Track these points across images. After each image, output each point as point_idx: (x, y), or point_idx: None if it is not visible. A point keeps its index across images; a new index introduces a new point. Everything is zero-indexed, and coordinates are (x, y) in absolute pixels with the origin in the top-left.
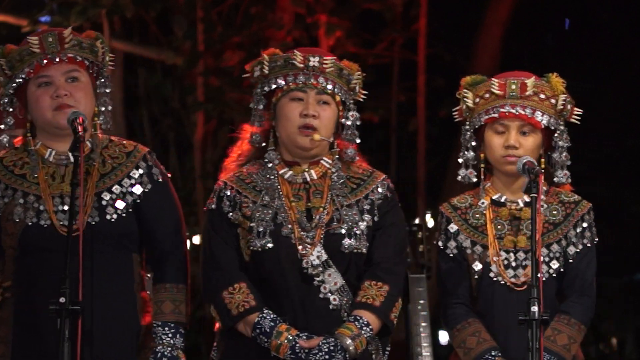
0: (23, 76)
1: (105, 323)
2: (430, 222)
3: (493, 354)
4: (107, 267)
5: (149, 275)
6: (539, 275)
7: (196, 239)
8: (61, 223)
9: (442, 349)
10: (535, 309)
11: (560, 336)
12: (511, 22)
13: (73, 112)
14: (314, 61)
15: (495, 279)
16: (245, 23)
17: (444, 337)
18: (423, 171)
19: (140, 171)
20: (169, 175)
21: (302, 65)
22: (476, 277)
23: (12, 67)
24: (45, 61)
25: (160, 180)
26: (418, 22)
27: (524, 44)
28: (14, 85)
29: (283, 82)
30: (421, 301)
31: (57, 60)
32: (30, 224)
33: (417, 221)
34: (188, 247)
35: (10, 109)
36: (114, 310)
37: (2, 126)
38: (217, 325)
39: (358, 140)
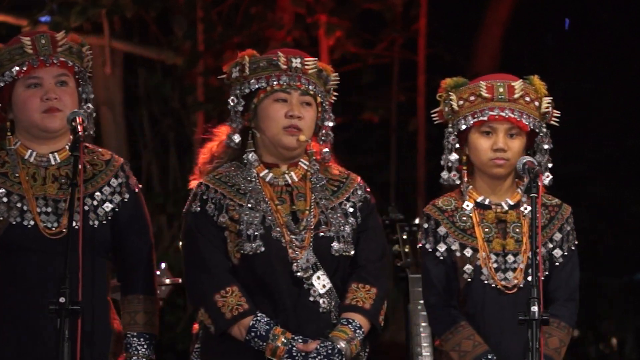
0: (12, 75)
1: (86, 325)
2: None
3: (489, 357)
4: (83, 271)
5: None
6: (538, 275)
7: None
8: (44, 225)
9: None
10: (535, 309)
11: (552, 339)
12: (511, 22)
13: (73, 112)
14: (296, 62)
15: (486, 282)
16: (245, 23)
17: None
18: (423, 171)
19: (120, 180)
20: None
21: (285, 67)
22: (468, 280)
23: (0, 65)
24: (37, 63)
25: (136, 190)
26: (418, 22)
27: (524, 44)
28: (1, 84)
29: (265, 84)
30: (421, 301)
31: (50, 63)
32: (14, 223)
33: (417, 221)
34: None
35: None
36: (93, 314)
37: None
38: (195, 327)
39: (331, 141)
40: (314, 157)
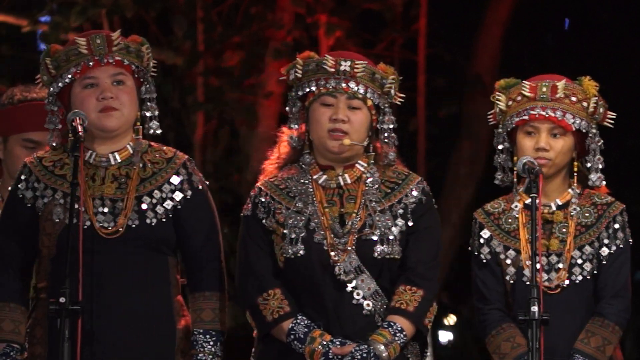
0: (69, 76)
1: (140, 325)
2: None
3: (526, 359)
4: (142, 270)
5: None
6: (538, 275)
7: None
8: (100, 225)
9: (442, 349)
10: (535, 309)
11: (594, 338)
12: (511, 22)
13: (73, 112)
14: (345, 65)
15: (528, 283)
16: (245, 23)
17: (444, 337)
18: (423, 171)
19: (181, 178)
20: (207, 183)
21: (333, 70)
22: (511, 282)
23: (57, 66)
24: (92, 62)
25: (200, 187)
26: (418, 22)
27: (524, 44)
28: (60, 85)
29: (314, 87)
30: None
31: (105, 62)
32: (68, 223)
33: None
34: None
35: (55, 109)
36: (149, 313)
37: (49, 125)
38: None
39: (395, 143)
40: (373, 160)
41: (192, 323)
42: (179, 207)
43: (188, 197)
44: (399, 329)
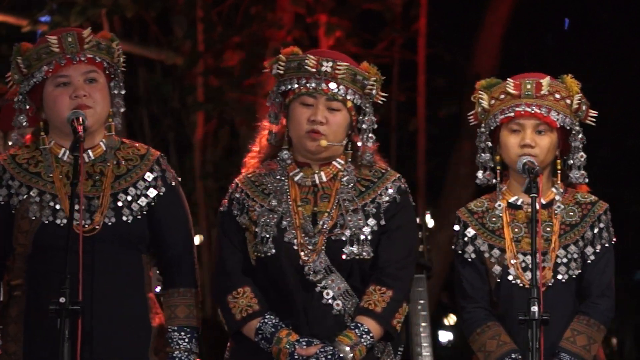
0: (41, 75)
1: (117, 323)
2: (430, 222)
3: (513, 356)
4: (119, 268)
5: (159, 278)
6: (538, 275)
7: (196, 240)
8: (77, 223)
9: (442, 349)
10: (535, 309)
11: (580, 337)
12: (511, 22)
13: (73, 112)
14: (326, 66)
15: (514, 281)
16: (245, 23)
17: (444, 337)
18: (423, 171)
19: (155, 174)
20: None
21: (314, 70)
22: (497, 280)
23: (29, 65)
24: (64, 61)
25: (173, 184)
26: (418, 22)
27: (524, 44)
28: (31, 83)
29: (295, 85)
30: (421, 301)
31: (77, 60)
32: (46, 222)
33: (417, 221)
34: None
35: (26, 107)
36: (126, 311)
37: (15, 123)
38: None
39: (375, 143)
40: (350, 158)
41: (166, 320)
42: (153, 204)
43: (162, 194)
44: (366, 330)
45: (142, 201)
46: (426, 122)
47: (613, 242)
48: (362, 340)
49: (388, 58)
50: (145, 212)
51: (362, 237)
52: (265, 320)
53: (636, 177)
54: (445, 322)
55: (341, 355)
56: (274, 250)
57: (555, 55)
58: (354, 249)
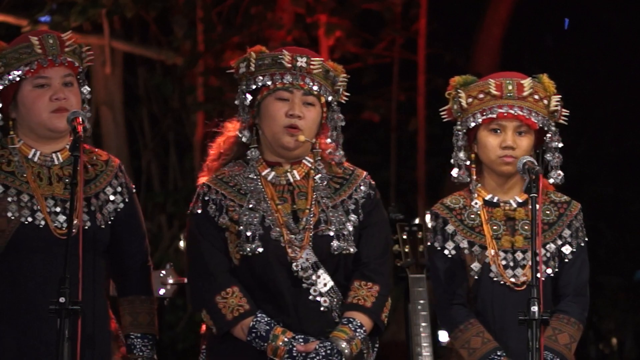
0: (19, 74)
1: (88, 326)
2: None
3: (499, 354)
4: (90, 271)
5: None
6: (538, 275)
7: None
8: (55, 225)
9: (442, 349)
10: (535, 309)
11: (562, 335)
12: (511, 22)
13: (73, 112)
14: (301, 62)
15: (495, 279)
16: (245, 23)
17: (444, 337)
18: (423, 171)
19: (120, 180)
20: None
21: (289, 65)
22: (475, 277)
23: (6, 64)
24: (47, 62)
25: (134, 191)
26: (418, 22)
27: (524, 44)
28: (6, 82)
29: (270, 81)
30: (421, 301)
31: (58, 62)
32: (25, 222)
33: (417, 221)
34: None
35: None
36: (95, 314)
37: None
38: (203, 328)
39: (341, 141)
40: (319, 156)
41: (126, 326)
42: (119, 210)
43: (127, 200)
44: (359, 324)
45: (110, 207)
46: (426, 122)
47: (585, 241)
48: (357, 334)
49: (388, 58)
50: (112, 218)
51: (346, 232)
52: (258, 319)
53: (636, 177)
54: None
55: (339, 349)
56: (261, 248)
57: (554, 55)
58: (341, 243)
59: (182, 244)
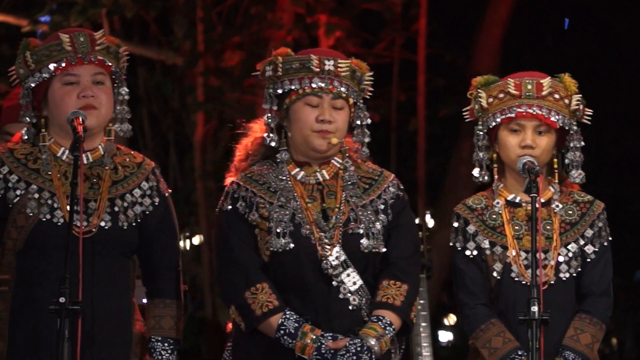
0: (50, 71)
1: (105, 326)
2: (430, 222)
3: (519, 353)
4: (110, 271)
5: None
6: (538, 274)
7: (196, 240)
8: (74, 223)
9: (442, 349)
10: (535, 309)
11: (584, 335)
12: (511, 22)
13: (73, 111)
14: (329, 65)
15: (516, 279)
16: (245, 23)
17: (444, 337)
18: (423, 171)
19: (150, 184)
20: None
21: (318, 69)
22: (497, 277)
23: (38, 61)
24: (75, 60)
25: (166, 195)
26: (418, 22)
27: (524, 44)
28: (38, 79)
29: (298, 86)
30: (421, 301)
31: (88, 60)
32: (44, 219)
33: (417, 221)
34: (188, 247)
35: (29, 102)
36: (114, 314)
37: (23, 119)
38: (229, 326)
39: (368, 139)
40: (348, 155)
41: (150, 329)
42: (147, 212)
43: (156, 203)
44: (388, 322)
45: (137, 209)
46: (426, 122)
47: (610, 240)
48: (386, 332)
49: (388, 58)
50: (139, 220)
51: (375, 231)
52: (287, 316)
53: (636, 177)
54: (445, 322)
55: (368, 346)
56: (292, 245)
57: (554, 56)
58: (371, 241)
59: (181, 243)
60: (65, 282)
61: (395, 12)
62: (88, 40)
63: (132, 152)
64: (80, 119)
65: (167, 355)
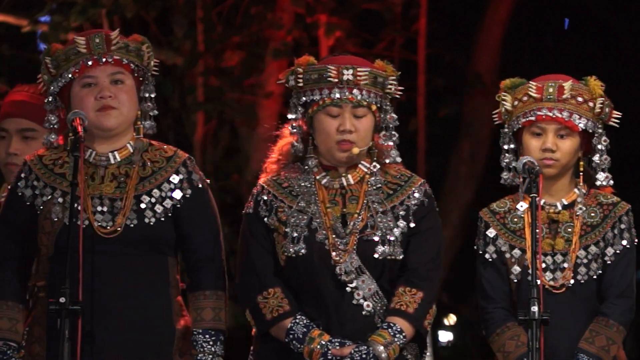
0: (69, 75)
1: (137, 325)
2: None
3: (527, 358)
4: (140, 270)
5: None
6: (537, 274)
7: None
8: (99, 224)
9: (442, 349)
10: (535, 309)
11: (599, 338)
12: (511, 22)
13: (73, 112)
14: (347, 74)
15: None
16: (245, 23)
17: (444, 337)
18: (423, 171)
19: (180, 176)
20: (208, 181)
21: (336, 80)
22: (515, 281)
23: (57, 66)
24: (90, 62)
25: (200, 186)
26: (418, 22)
27: (524, 44)
28: (59, 84)
29: (318, 97)
30: None
31: (103, 61)
32: (68, 223)
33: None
34: None
35: (54, 108)
36: (148, 313)
37: (46, 125)
38: (254, 330)
39: (397, 141)
40: (375, 158)
41: (192, 322)
42: (179, 206)
43: (188, 195)
44: (399, 330)
45: (167, 203)
46: (426, 122)
47: (635, 243)
48: (396, 339)
49: (388, 58)
50: (170, 215)
51: (392, 238)
52: (297, 321)
53: (636, 177)
54: (445, 322)
55: (375, 354)
56: (305, 250)
57: (554, 55)
58: (386, 249)
59: None
60: (65, 282)
61: (395, 12)
62: (104, 41)
63: (165, 147)
64: (80, 119)
65: (209, 346)
